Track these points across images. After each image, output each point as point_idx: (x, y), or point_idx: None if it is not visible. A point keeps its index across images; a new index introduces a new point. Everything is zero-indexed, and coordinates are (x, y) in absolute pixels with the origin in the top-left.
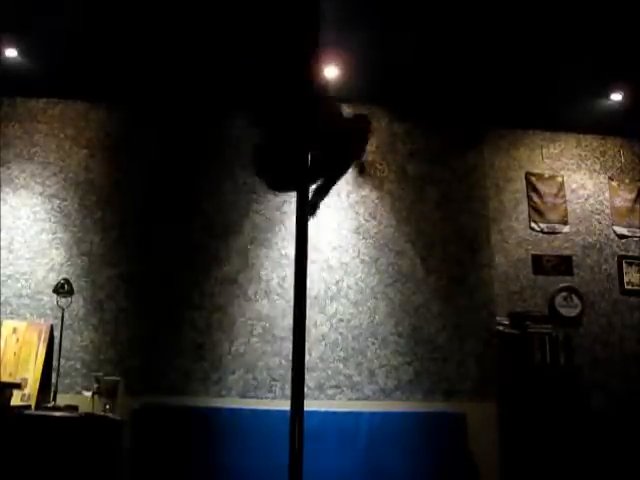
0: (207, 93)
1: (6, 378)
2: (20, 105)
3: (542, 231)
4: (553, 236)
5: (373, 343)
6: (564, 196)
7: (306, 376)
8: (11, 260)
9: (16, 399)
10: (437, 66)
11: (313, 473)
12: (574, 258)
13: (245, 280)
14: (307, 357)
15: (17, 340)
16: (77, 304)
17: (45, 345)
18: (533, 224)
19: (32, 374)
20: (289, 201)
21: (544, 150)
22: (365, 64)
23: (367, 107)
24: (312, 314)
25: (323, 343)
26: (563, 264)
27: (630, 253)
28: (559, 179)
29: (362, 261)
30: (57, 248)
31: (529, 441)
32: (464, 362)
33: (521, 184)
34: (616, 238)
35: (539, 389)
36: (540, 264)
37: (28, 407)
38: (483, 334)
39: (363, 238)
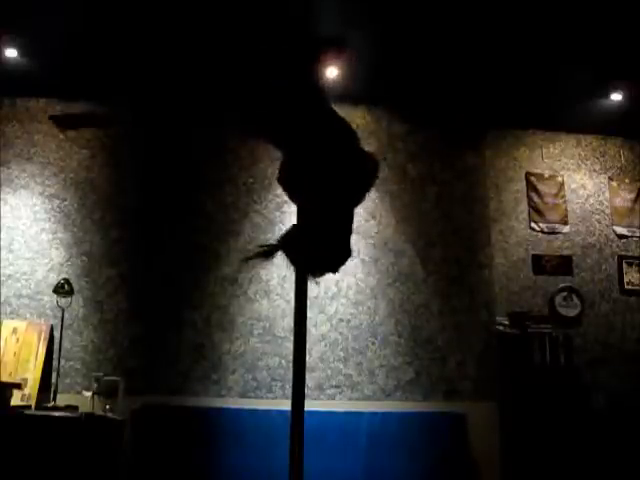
0: (207, 93)
1: (6, 378)
2: (20, 105)
3: (542, 231)
4: (553, 236)
5: (373, 343)
6: (564, 196)
7: (306, 376)
8: (11, 260)
9: (16, 399)
10: (437, 66)
11: (313, 473)
12: (574, 258)
13: (245, 280)
14: (307, 357)
15: (17, 340)
16: (77, 304)
17: (45, 345)
18: (533, 224)
19: (32, 374)
20: (289, 201)
21: (544, 150)
22: (365, 64)
23: (367, 107)
24: (312, 314)
25: (323, 343)
26: (563, 264)
27: (630, 253)
28: (559, 179)
29: (362, 261)
30: (57, 248)
31: (529, 441)
32: (464, 362)
33: (521, 184)
34: (616, 238)
35: (539, 389)
36: (540, 264)
37: (28, 407)
38: (483, 334)
39: (363, 238)
